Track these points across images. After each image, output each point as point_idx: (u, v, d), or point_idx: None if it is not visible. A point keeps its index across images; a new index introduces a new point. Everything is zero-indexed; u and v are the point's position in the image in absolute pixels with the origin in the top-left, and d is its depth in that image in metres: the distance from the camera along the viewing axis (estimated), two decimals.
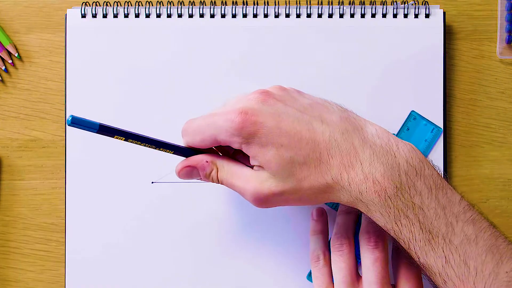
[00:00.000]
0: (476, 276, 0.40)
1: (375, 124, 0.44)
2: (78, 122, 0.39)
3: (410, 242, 0.41)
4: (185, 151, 0.45)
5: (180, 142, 0.46)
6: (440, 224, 0.40)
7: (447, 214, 0.41)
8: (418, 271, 0.46)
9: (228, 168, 0.44)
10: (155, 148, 0.44)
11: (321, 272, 0.49)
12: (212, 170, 0.44)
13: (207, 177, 0.45)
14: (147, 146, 0.43)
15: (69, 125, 0.39)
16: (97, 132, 0.40)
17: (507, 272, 0.39)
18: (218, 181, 0.45)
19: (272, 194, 0.42)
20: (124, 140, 0.42)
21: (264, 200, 0.42)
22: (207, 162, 0.44)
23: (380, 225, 0.42)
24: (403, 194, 0.41)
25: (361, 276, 0.47)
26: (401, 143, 0.42)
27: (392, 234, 0.42)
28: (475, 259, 0.40)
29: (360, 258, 0.47)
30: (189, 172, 0.45)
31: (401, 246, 0.42)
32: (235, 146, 0.42)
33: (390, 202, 0.41)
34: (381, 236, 0.46)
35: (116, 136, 0.41)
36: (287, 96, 0.44)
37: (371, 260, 0.45)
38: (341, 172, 0.41)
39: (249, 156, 0.43)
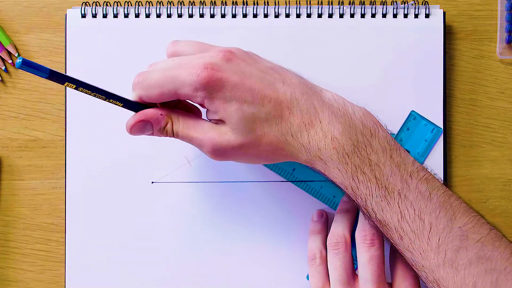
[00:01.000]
0: (430, 230, 0.41)
1: (331, 91, 0.45)
2: (28, 65, 0.38)
3: (367, 198, 0.43)
4: (135, 105, 0.44)
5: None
6: (396, 181, 0.42)
7: (402, 172, 0.42)
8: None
9: (183, 121, 0.44)
10: (104, 99, 0.43)
11: (317, 271, 0.49)
12: (167, 123, 0.44)
13: (161, 131, 0.44)
14: (97, 97, 0.42)
15: (18, 67, 0.38)
16: (47, 78, 0.39)
17: (460, 227, 0.41)
18: (173, 135, 0.44)
19: (231, 147, 0.43)
20: (75, 88, 0.41)
21: (222, 152, 0.43)
22: (161, 115, 0.44)
23: (337, 182, 0.43)
24: (360, 151, 0.42)
25: (357, 275, 0.47)
26: (356, 107, 0.44)
27: (349, 191, 0.43)
28: (429, 214, 0.41)
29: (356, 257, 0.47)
30: (142, 127, 0.44)
31: (359, 203, 0.44)
32: (197, 100, 0.42)
33: (347, 159, 0.42)
34: (377, 234, 0.46)
35: (66, 83, 0.41)
36: (249, 58, 0.44)
37: (366, 258, 0.46)
38: (301, 130, 0.42)
39: (200, 111, 0.45)
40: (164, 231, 0.52)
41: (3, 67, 0.53)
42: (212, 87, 0.41)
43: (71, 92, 0.52)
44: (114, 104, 0.43)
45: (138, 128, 0.44)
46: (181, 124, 0.44)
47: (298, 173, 0.52)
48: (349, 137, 0.42)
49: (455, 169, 0.53)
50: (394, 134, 0.52)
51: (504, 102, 0.53)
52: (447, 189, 0.43)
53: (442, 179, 0.52)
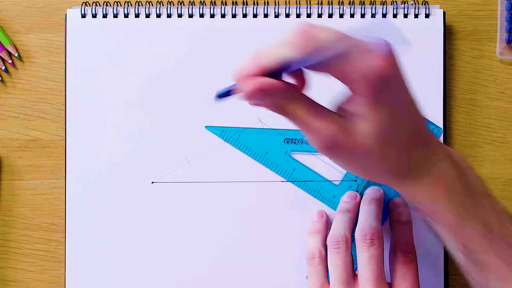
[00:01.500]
0: None
1: None
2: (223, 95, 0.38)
3: (472, 239, 0.41)
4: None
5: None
6: (496, 223, 0.41)
7: (498, 214, 0.41)
8: (414, 269, 0.46)
9: (307, 104, 0.38)
10: None
11: (316, 270, 0.49)
12: (288, 100, 0.37)
13: (279, 107, 0.37)
14: None
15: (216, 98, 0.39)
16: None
17: None
18: (288, 114, 0.38)
19: (353, 150, 0.38)
20: None
21: (335, 149, 0.38)
22: (286, 91, 0.37)
23: (442, 219, 0.41)
24: (467, 191, 0.41)
25: (357, 275, 0.47)
26: (454, 151, 0.43)
27: (451, 231, 0.41)
28: None
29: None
30: (259, 95, 0.36)
31: (456, 241, 0.42)
32: (354, 86, 0.36)
33: (457, 198, 0.41)
34: (376, 234, 0.46)
35: None
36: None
37: (366, 258, 0.45)
38: (425, 161, 0.40)
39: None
40: (164, 231, 0.52)
41: (3, 67, 0.53)
42: (383, 82, 0.35)
43: (71, 92, 0.52)
44: None
45: (257, 95, 0.36)
46: (304, 107, 0.37)
47: (298, 173, 0.52)
48: (459, 178, 0.41)
49: None
50: None
51: (504, 102, 0.53)
52: None
53: None
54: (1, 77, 0.54)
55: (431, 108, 0.52)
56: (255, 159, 0.52)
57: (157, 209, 0.52)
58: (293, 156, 0.52)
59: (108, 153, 0.52)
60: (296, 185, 0.52)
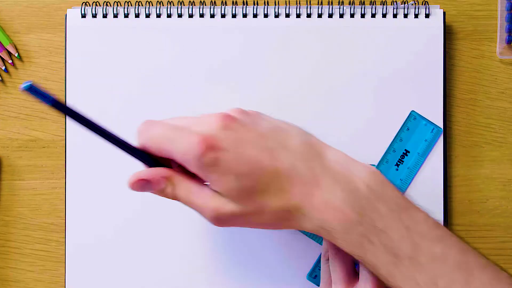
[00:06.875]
0: None
1: (334, 149, 0.43)
2: (34, 91, 0.36)
3: (376, 267, 0.40)
4: (143, 156, 0.42)
5: None
6: (406, 245, 0.40)
7: (413, 234, 0.40)
8: None
9: (185, 186, 0.42)
10: (112, 144, 0.41)
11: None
12: (167, 187, 0.42)
13: (161, 193, 0.42)
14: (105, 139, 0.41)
15: (22, 90, 0.36)
16: (51, 105, 0.37)
17: (477, 287, 0.39)
18: (172, 198, 0.42)
19: (232, 216, 0.41)
20: (79, 124, 0.39)
21: (224, 221, 0.42)
22: (162, 178, 0.42)
23: (346, 251, 0.41)
24: (365, 219, 0.40)
25: (358, 272, 0.46)
26: (360, 167, 0.42)
27: (358, 260, 0.41)
28: (444, 278, 0.39)
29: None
30: (142, 186, 0.42)
31: (370, 271, 0.42)
32: (192, 169, 0.41)
33: (351, 229, 0.40)
34: None
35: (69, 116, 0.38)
36: (248, 120, 0.42)
37: None
38: (302, 200, 0.40)
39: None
40: (164, 231, 0.52)
41: (3, 67, 0.53)
42: (207, 160, 0.39)
43: (71, 92, 0.52)
44: (120, 149, 0.42)
45: (138, 186, 0.42)
46: (183, 189, 0.42)
47: None
48: (352, 205, 0.40)
49: (455, 169, 0.53)
50: (394, 134, 0.52)
51: (504, 102, 0.53)
52: (463, 244, 0.41)
53: (442, 179, 0.52)
54: (1, 77, 0.54)
55: (431, 108, 0.52)
56: None
57: (157, 209, 0.52)
58: None
59: (108, 153, 0.52)
60: None
